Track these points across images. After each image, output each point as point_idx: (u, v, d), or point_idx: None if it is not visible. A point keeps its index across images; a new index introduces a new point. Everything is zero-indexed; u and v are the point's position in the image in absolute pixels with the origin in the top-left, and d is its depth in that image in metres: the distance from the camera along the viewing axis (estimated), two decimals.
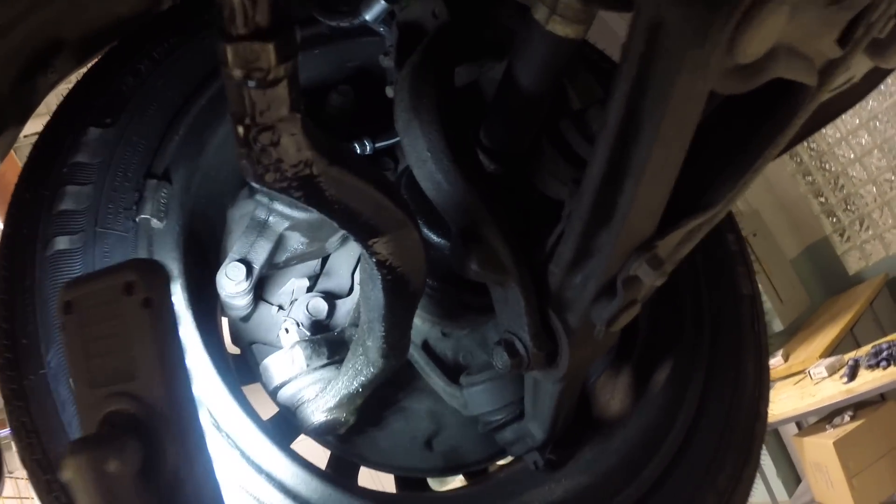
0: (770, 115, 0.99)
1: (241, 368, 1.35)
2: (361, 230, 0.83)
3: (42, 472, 1.05)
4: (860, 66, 0.97)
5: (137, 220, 1.15)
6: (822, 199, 6.93)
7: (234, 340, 1.38)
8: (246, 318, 1.34)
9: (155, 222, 1.15)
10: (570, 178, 1.02)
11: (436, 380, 1.33)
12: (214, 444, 1.05)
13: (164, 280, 0.64)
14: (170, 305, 0.63)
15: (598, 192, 0.92)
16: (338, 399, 1.16)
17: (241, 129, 0.67)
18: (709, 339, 1.42)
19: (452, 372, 1.35)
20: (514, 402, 1.26)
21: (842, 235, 6.91)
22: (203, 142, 1.24)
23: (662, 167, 0.88)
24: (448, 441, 1.41)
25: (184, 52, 1.25)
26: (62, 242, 1.12)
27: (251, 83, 0.65)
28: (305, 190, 0.74)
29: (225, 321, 1.38)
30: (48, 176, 1.16)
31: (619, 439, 1.29)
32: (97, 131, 1.17)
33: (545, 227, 1.06)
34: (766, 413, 1.47)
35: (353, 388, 1.14)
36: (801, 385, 4.97)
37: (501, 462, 1.50)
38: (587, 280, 1.01)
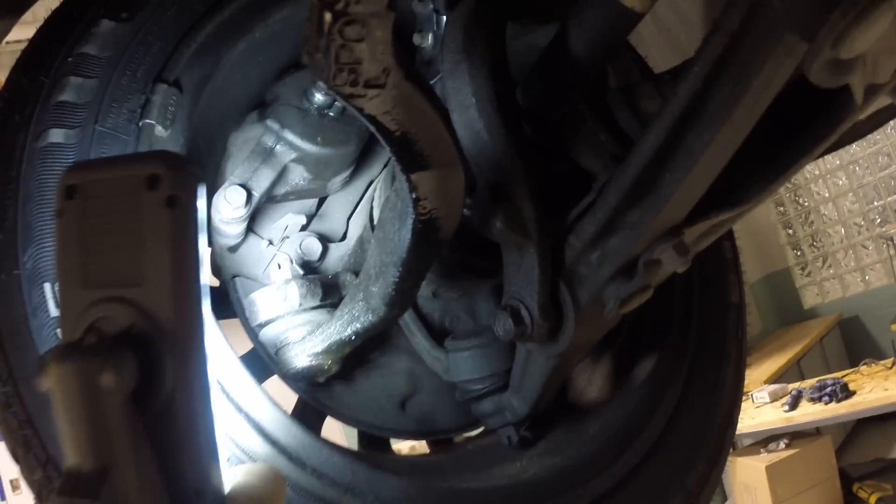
0: (808, 125, 0.99)
1: (219, 302, 1.29)
2: (411, 159, 0.77)
3: (1, 384, 0.97)
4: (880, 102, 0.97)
5: (141, 124, 1.08)
6: (791, 231, 7.07)
7: (216, 271, 1.32)
8: (233, 249, 1.27)
9: (159, 129, 1.08)
10: (609, 152, 1.00)
11: (420, 340, 1.29)
12: None
13: (195, 180, 0.55)
14: (196, 210, 0.54)
15: (644, 168, 0.90)
16: (326, 345, 1.11)
17: (327, 16, 0.60)
18: (694, 342, 1.41)
19: (437, 335, 1.31)
20: (498, 374, 1.23)
21: (803, 269, 7.05)
22: (219, 56, 1.18)
23: (721, 152, 0.87)
24: (422, 405, 1.37)
25: None
26: (56, 135, 1.04)
27: None
28: (373, 101, 0.68)
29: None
30: (51, 63, 1.09)
31: (596, 426, 1.28)
32: (110, 24, 1.10)
33: (569, 197, 1.03)
34: (737, 422, 1.48)
35: (346, 334, 1.09)
36: (743, 406, 5.03)
37: (467, 434, 1.47)
38: (606, 257, 0.98)
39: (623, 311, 1.01)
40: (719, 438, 1.38)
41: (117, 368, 0.49)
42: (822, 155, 1.08)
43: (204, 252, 0.55)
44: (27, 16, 1.16)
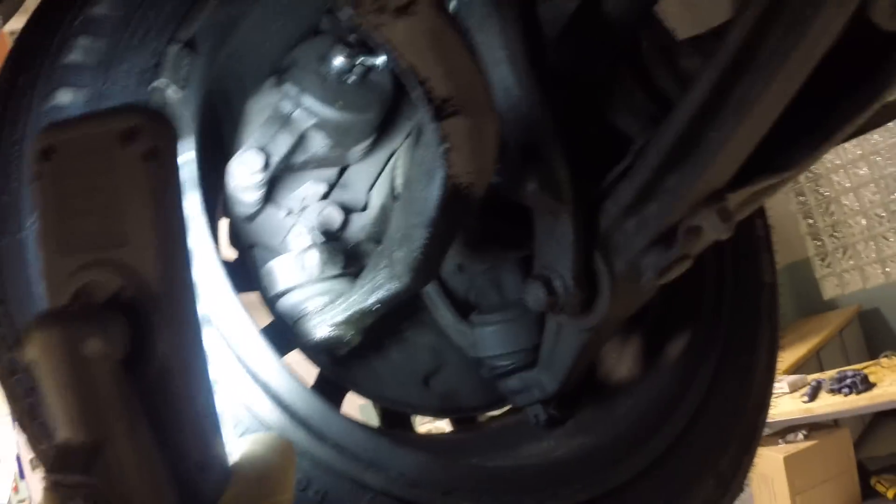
0: (853, 92, 0.94)
1: (235, 274, 1.25)
2: (441, 104, 0.72)
3: (6, 349, 0.94)
4: None
5: (152, 85, 1.04)
6: (811, 221, 6.98)
7: (233, 241, 1.28)
8: (251, 218, 1.23)
9: (171, 92, 1.04)
10: (647, 113, 0.95)
11: (445, 314, 1.25)
12: (211, 345, 0.95)
13: (172, 131, 0.52)
14: (176, 163, 0.51)
15: (687, 126, 0.85)
16: (348, 314, 1.06)
17: None
18: (727, 321, 1.36)
19: (462, 309, 1.27)
20: (526, 349, 1.19)
21: (823, 260, 6.97)
22: (236, 16, 1.13)
23: (771, 107, 0.82)
24: (447, 381, 1.33)
25: None
26: (64, 96, 1.00)
27: None
28: (400, 31, 0.63)
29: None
30: (59, 23, 1.05)
31: (627, 406, 1.24)
32: None
33: (603, 161, 0.98)
34: (769, 405, 1.43)
35: (368, 303, 1.04)
36: None
37: (491, 413, 1.43)
38: (644, 224, 0.93)
39: (661, 281, 0.96)
40: (752, 421, 1.34)
41: (104, 333, 0.45)
42: (846, 139, 1.03)
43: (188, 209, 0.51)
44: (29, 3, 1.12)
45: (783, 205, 6.96)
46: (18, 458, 6.33)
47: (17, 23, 1.17)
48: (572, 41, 1.06)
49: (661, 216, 0.92)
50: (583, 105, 1.04)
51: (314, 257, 1.11)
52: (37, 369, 0.46)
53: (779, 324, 1.49)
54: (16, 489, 6.35)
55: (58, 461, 0.45)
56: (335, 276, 1.12)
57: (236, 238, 1.27)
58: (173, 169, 0.51)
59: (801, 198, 6.99)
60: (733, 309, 1.38)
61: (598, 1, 1.00)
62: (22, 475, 6.41)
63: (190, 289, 0.51)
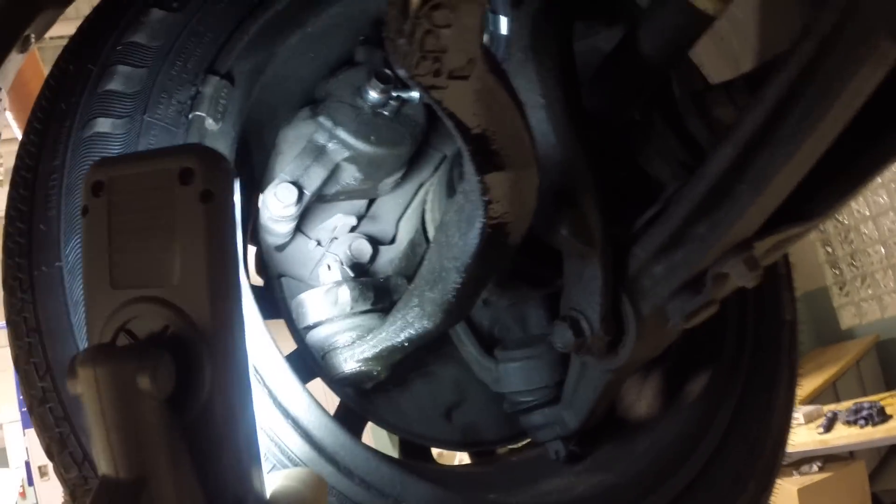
0: (882, 134, 0.95)
1: (262, 301, 1.27)
2: (486, 158, 0.73)
3: (38, 379, 0.94)
4: None
5: (191, 116, 1.05)
6: (829, 250, 6.95)
7: (261, 270, 1.30)
8: (281, 248, 1.25)
9: (210, 123, 1.05)
10: (678, 159, 0.97)
11: (469, 348, 1.26)
12: None
13: (230, 174, 0.52)
14: (233, 205, 0.52)
15: (719, 179, 0.86)
16: (377, 350, 1.08)
17: (415, 0, 0.57)
18: (747, 359, 1.37)
19: (485, 344, 1.28)
20: (550, 386, 1.20)
21: (841, 289, 6.93)
22: (273, 48, 1.15)
23: (802, 164, 0.83)
24: (469, 415, 1.34)
25: None
26: (103, 125, 1.01)
27: None
28: (455, 94, 0.65)
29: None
30: (99, 51, 1.05)
31: (646, 443, 1.24)
32: (161, 13, 1.07)
33: (633, 206, 0.99)
34: (787, 442, 1.43)
35: (398, 340, 1.05)
36: None
37: (511, 446, 1.44)
38: (672, 270, 0.95)
39: (687, 325, 0.98)
40: (770, 461, 1.34)
41: (153, 371, 0.46)
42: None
43: (240, 249, 0.52)
44: (70, 11, 1.14)
45: None
46: (27, 465, 6.36)
47: (60, 30, 1.18)
48: (607, 82, 1.08)
49: (689, 263, 0.93)
50: (615, 148, 1.05)
51: (346, 293, 1.12)
52: (85, 402, 0.47)
53: (798, 361, 1.50)
54: (23, 494, 6.38)
55: (102, 498, 0.46)
56: (365, 312, 1.14)
57: (264, 266, 1.28)
58: (230, 210, 0.52)
59: (820, 226, 6.97)
60: (754, 347, 1.38)
61: (635, 42, 1.01)
62: (31, 482, 6.43)
63: (239, 328, 0.51)
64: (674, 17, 0.97)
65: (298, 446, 0.95)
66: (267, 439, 0.95)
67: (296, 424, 0.96)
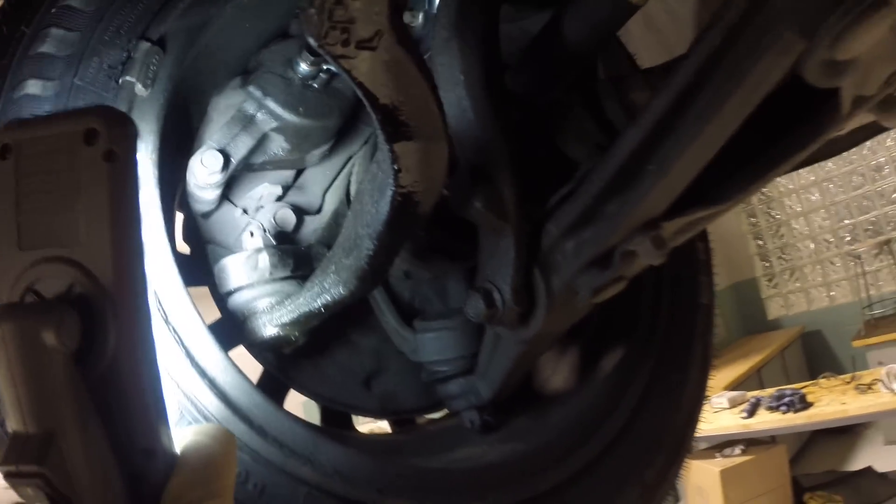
0: (791, 131, 0.99)
1: (188, 269, 1.27)
2: (396, 128, 0.76)
3: None
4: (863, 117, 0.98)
5: (121, 81, 1.06)
6: (761, 243, 7.16)
7: (187, 238, 1.31)
8: (207, 215, 1.26)
9: (139, 88, 1.06)
10: (594, 141, 1.00)
11: (389, 318, 1.29)
12: (160, 338, 0.98)
13: (133, 134, 0.53)
14: (135, 165, 0.53)
15: (628, 158, 0.90)
16: (294, 316, 1.10)
17: None
18: (661, 338, 1.42)
19: (406, 315, 1.31)
20: (466, 356, 1.23)
21: (770, 281, 7.15)
22: (207, 18, 1.15)
23: (706, 148, 0.87)
24: (387, 384, 1.37)
25: None
26: (34, 87, 1.01)
27: None
28: (362, 64, 0.67)
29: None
30: (33, 13, 1.05)
31: (559, 416, 1.28)
32: None
33: (549, 184, 1.03)
34: (699, 421, 1.49)
35: (315, 306, 1.07)
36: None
37: (429, 416, 1.47)
38: (583, 246, 0.99)
39: (595, 300, 1.02)
40: (680, 436, 1.39)
41: (58, 326, 0.47)
42: (798, 167, 1.09)
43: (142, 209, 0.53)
44: None
45: (735, 225, 7.12)
46: None
47: None
48: (532, 64, 1.11)
49: (599, 240, 0.97)
50: (535, 128, 1.09)
51: (266, 259, 1.14)
52: None
53: (712, 343, 1.55)
54: None
55: (13, 451, 0.47)
56: (285, 278, 1.16)
57: (191, 233, 1.29)
58: (132, 171, 0.52)
59: (752, 219, 7.16)
60: (668, 328, 1.43)
61: (560, 26, 1.04)
62: None
63: (142, 286, 0.52)
64: (599, 4, 1.00)
65: (214, 405, 0.97)
66: (184, 398, 0.97)
67: (212, 384, 0.98)
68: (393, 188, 0.84)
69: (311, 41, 0.64)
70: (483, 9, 1.03)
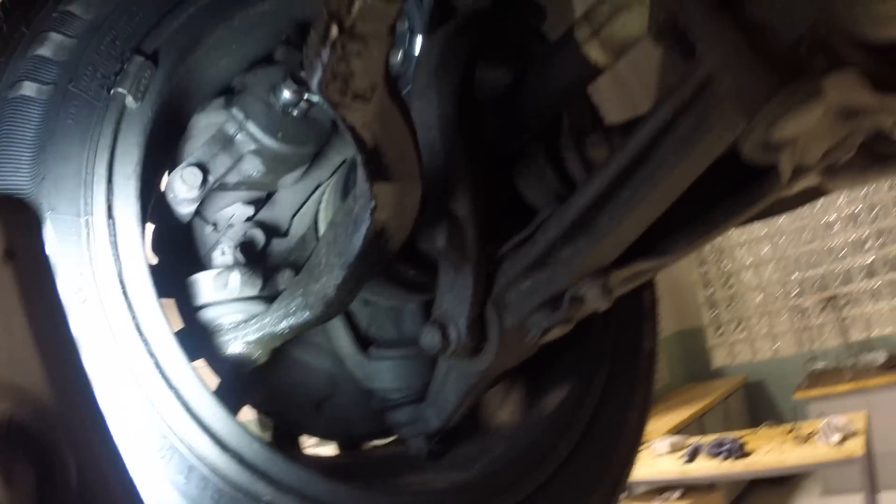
0: (735, 193, 1.07)
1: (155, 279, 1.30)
2: (377, 169, 0.83)
3: None
4: (807, 182, 1.05)
5: (112, 92, 1.09)
6: (710, 292, 7.31)
7: (157, 249, 1.34)
8: (178, 229, 1.29)
9: (130, 101, 1.10)
10: (553, 191, 1.07)
11: (346, 343, 1.33)
12: (132, 347, 1.02)
13: (33, 223, 0.45)
14: (44, 259, 0.45)
15: (584, 209, 0.96)
16: (259, 335, 1.14)
17: (334, 29, 0.65)
18: (603, 382, 1.47)
19: (361, 341, 1.35)
20: (417, 386, 1.28)
21: (717, 330, 7.28)
22: (199, 37, 1.20)
23: (655, 205, 0.94)
24: (338, 408, 1.40)
25: None
26: (29, 88, 1.05)
27: None
28: (356, 113, 0.74)
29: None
30: (34, 16, 1.08)
31: (502, 448, 1.33)
32: None
33: (508, 227, 1.09)
34: (634, 465, 1.55)
35: (280, 328, 1.12)
36: (642, 454, 5.18)
37: (375, 442, 1.51)
38: (536, 287, 1.05)
39: (544, 340, 1.08)
40: (617, 475, 1.44)
41: (7, 481, 0.40)
42: (748, 222, 1.16)
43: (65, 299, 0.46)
44: None
45: (686, 273, 7.26)
46: None
47: None
48: (503, 113, 1.17)
49: (552, 283, 1.04)
50: (501, 173, 1.15)
51: (237, 278, 1.18)
52: None
53: (653, 387, 1.61)
54: None
55: None
56: (252, 298, 1.20)
57: (160, 246, 1.32)
58: (40, 262, 0.45)
59: (703, 268, 7.31)
60: (611, 370, 1.49)
61: (530, 80, 1.11)
62: None
63: (90, 394, 0.46)
64: (566, 64, 1.07)
65: (177, 415, 1.01)
66: (149, 403, 1.01)
67: (178, 396, 1.02)
68: (368, 223, 0.90)
69: (313, 88, 0.70)
70: (462, 58, 1.09)
